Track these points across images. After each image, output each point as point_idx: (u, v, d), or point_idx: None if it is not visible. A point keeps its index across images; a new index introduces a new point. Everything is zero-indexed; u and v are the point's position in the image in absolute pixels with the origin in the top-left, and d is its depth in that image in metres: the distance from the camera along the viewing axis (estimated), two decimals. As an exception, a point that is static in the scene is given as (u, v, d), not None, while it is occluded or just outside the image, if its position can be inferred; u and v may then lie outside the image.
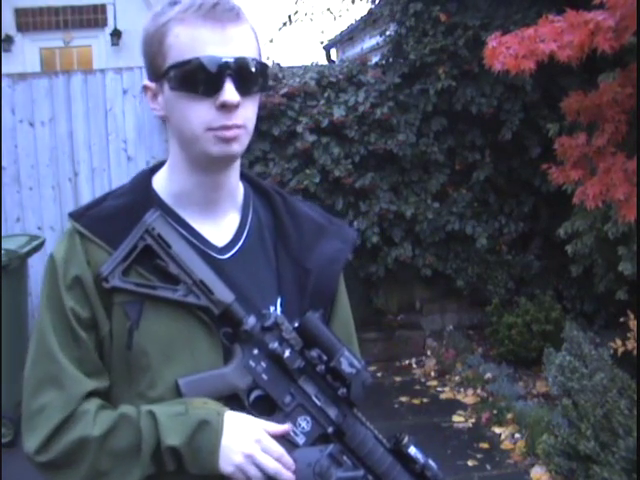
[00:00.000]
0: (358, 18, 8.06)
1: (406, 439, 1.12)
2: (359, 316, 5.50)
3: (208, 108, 1.04)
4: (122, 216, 1.09)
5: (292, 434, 1.07)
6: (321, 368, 1.09)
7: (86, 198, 5.23)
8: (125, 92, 5.28)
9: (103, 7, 8.49)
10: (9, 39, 8.30)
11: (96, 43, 8.68)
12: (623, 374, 3.01)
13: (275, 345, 1.07)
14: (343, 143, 5.02)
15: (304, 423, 1.09)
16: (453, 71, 4.86)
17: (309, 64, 5.46)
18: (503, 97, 4.86)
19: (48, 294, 1.09)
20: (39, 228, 5.21)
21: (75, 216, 1.12)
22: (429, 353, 5.27)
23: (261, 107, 4.32)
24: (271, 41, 8.38)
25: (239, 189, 1.19)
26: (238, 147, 1.07)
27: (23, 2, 8.32)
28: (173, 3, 1.06)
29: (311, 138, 4.93)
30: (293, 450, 1.07)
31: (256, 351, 1.08)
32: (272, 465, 1.03)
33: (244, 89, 1.05)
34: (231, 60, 1.03)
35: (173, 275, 1.07)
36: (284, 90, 4.97)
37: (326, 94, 5.06)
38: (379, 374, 4.96)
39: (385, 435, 1.16)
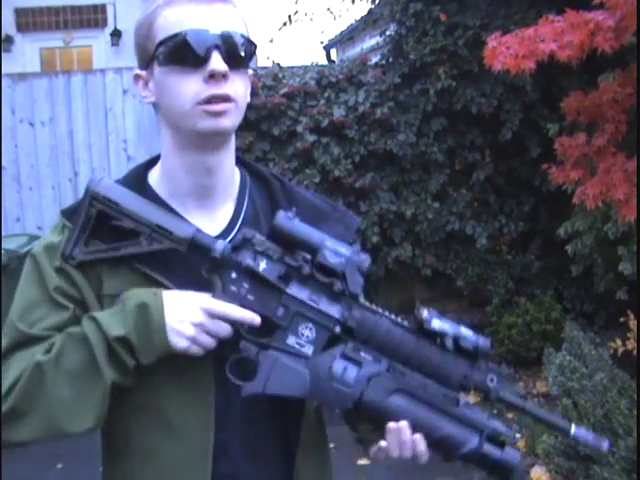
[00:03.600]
0: (358, 18, 8.06)
1: (425, 313, 1.02)
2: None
3: (196, 80, 1.04)
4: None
5: (297, 346, 1.01)
6: (306, 269, 1.02)
7: (86, 198, 5.24)
8: (125, 92, 5.28)
9: (103, 7, 8.50)
10: (9, 39, 8.31)
11: (96, 43, 8.68)
12: (623, 374, 3.01)
13: (248, 260, 1.02)
14: (343, 143, 5.02)
15: (307, 331, 1.02)
16: (453, 71, 4.86)
17: (309, 64, 5.46)
18: (503, 97, 4.86)
19: (29, 274, 1.10)
20: (39, 228, 5.21)
21: (66, 213, 1.13)
22: (429, 353, 5.26)
23: (261, 107, 4.37)
24: (271, 41, 8.38)
25: (235, 178, 1.18)
26: (228, 122, 1.06)
27: (23, 2, 8.33)
28: None
29: (311, 138, 4.93)
30: (303, 363, 1.00)
31: (234, 274, 1.03)
32: (232, 309, 1.01)
33: (232, 62, 1.04)
34: (218, 33, 1.03)
35: (132, 230, 1.06)
36: (284, 90, 4.97)
37: (326, 94, 5.05)
38: (379, 374, 4.96)
39: None
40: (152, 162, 1.19)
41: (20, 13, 8.39)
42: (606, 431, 2.88)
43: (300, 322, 1.02)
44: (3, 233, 4.87)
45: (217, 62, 1.02)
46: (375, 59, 5.60)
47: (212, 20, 1.04)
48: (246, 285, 1.03)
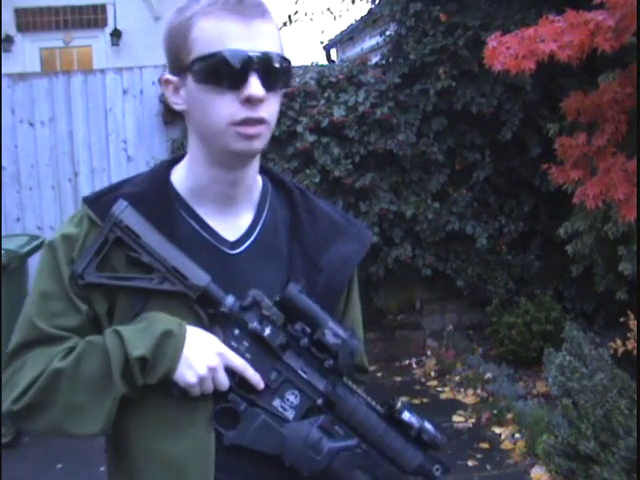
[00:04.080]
0: (358, 18, 8.06)
1: (399, 404, 1.12)
2: (359, 316, 5.33)
3: (232, 101, 1.03)
4: (135, 206, 1.09)
5: (280, 409, 1.08)
6: (304, 342, 1.08)
7: (86, 198, 5.24)
8: (125, 92, 5.28)
9: (103, 7, 8.49)
10: (9, 39, 8.30)
11: (96, 43, 8.68)
12: (623, 374, 3.01)
13: (255, 324, 1.07)
14: (343, 143, 5.02)
15: (292, 397, 1.09)
16: (453, 71, 4.86)
17: (309, 64, 5.46)
18: (503, 97, 4.86)
19: (47, 264, 1.11)
20: (39, 228, 5.21)
21: (89, 201, 1.13)
22: (429, 353, 5.27)
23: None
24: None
25: (257, 185, 1.19)
26: (259, 144, 1.07)
27: (23, 2, 8.32)
28: None
29: (311, 138, 4.93)
30: (283, 425, 1.07)
31: (237, 331, 1.08)
32: (241, 365, 1.06)
33: (269, 84, 1.04)
34: (257, 54, 1.02)
35: (147, 264, 1.07)
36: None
37: (326, 94, 5.05)
38: (379, 374, 4.97)
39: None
40: (175, 161, 1.19)
41: (20, 13, 8.39)
42: (606, 431, 2.88)
43: (288, 388, 1.09)
44: (3, 233, 4.87)
45: (255, 87, 1.02)
46: (375, 59, 5.60)
47: (251, 40, 1.03)
48: (246, 344, 1.08)
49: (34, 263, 4.82)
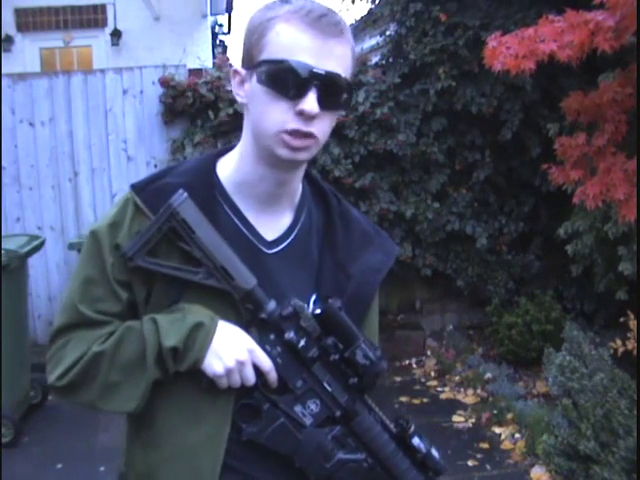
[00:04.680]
0: (358, 18, 8.05)
1: (412, 429, 1.17)
2: (359, 316, 5.34)
3: (287, 110, 1.06)
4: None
5: (300, 415, 1.12)
6: (335, 357, 1.12)
7: (86, 198, 5.24)
8: (125, 92, 5.28)
9: (103, 7, 8.48)
10: (9, 39, 8.29)
11: (96, 43, 8.67)
12: (623, 374, 3.01)
13: (291, 335, 1.10)
14: (343, 143, 5.02)
15: (313, 405, 1.13)
16: (453, 71, 4.86)
17: (309, 64, 5.45)
18: (503, 97, 4.86)
19: (90, 250, 1.15)
20: (39, 228, 5.21)
21: (136, 188, 1.15)
22: (429, 353, 5.27)
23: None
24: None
25: (299, 189, 1.23)
26: (305, 156, 1.10)
27: (23, 2, 8.32)
28: (285, 2, 1.09)
29: (311, 138, 4.92)
30: (300, 430, 1.12)
31: (273, 336, 1.12)
32: (268, 364, 1.10)
33: (326, 103, 1.07)
34: (321, 72, 1.05)
35: (196, 258, 1.10)
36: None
37: (326, 94, 5.05)
38: (379, 374, 4.96)
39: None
40: (222, 153, 1.22)
41: (20, 13, 8.38)
42: (606, 431, 2.88)
43: (311, 397, 1.14)
44: (3, 233, 4.86)
45: (311, 102, 1.05)
46: (375, 59, 5.60)
47: (321, 56, 1.05)
48: (279, 349, 1.12)
49: (34, 263, 4.82)
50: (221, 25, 12.34)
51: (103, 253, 1.13)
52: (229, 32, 12.48)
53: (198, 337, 1.08)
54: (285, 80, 1.05)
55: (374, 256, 1.25)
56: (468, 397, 4.50)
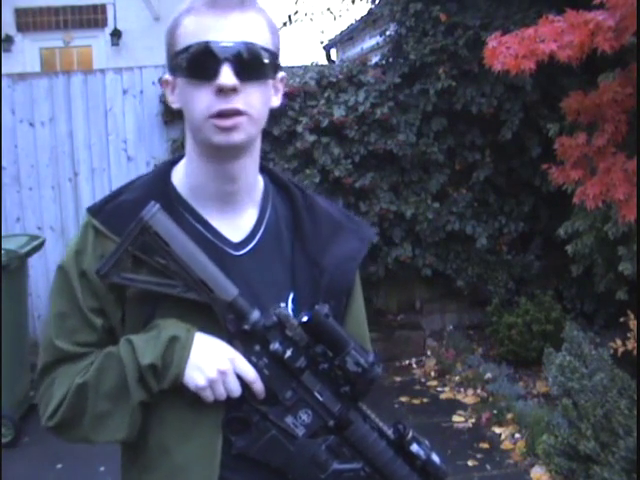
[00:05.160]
0: (358, 18, 8.06)
1: (410, 435, 1.13)
2: (359, 316, 5.32)
3: (207, 94, 1.04)
4: (138, 209, 1.08)
5: (292, 426, 1.09)
6: (324, 366, 1.09)
7: (86, 198, 5.23)
8: (125, 92, 5.28)
9: (103, 7, 8.49)
10: (9, 39, 8.30)
11: (96, 43, 8.68)
12: (623, 374, 3.01)
13: (277, 346, 1.07)
14: (343, 143, 5.02)
15: (305, 416, 1.10)
16: (453, 71, 4.86)
17: (309, 64, 5.46)
18: (503, 97, 4.86)
19: (59, 284, 1.14)
20: (39, 228, 5.21)
21: (92, 211, 1.14)
22: (429, 353, 5.27)
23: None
24: (271, 41, 8.37)
25: (258, 183, 1.19)
26: (240, 136, 1.06)
27: (23, 2, 8.32)
28: None
29: (311, 138, 4.93)
30: (292, 441, 1.09)
31: (258, 347, 1.08)
32: (251, 374, 1.07)
33: (244, 74, 1.04)
34: (230, 45, 1.03)
35: (173, 272, 1.07)
36: (284, 90, 4.96)
37: (326, 94, 5.05)
38: (379, 374, 4.96)
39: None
40: (175, 161, 1.20)
41: (20, 13, 8.39)
42: (606, 431, 2.87)
43: (302, 407, 1.10)
44: (3, 233, 4.87)
45: (226, 76, 1.02)
46: (375, 59, 5.60)
47: (226, 31, 1.04)
48: (266, 360, 1.08)
49: (34, 263, 4.82)
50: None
51: (72, 284, 1.11)
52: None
53: (175, 351, 1.05)
54: (197, 64, 1.04)
55: (347, 244, 1.20)
56: (468, 397, 4.50)
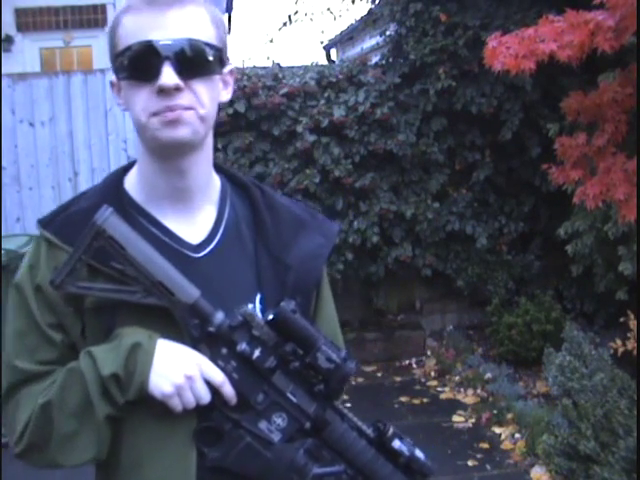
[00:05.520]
0: (358, 18, 8.06)
1: (390, 431, 1.09)
2: (359, 316, 5.49)
3: (149, 93, 1.01)
4: (91, 218, 1.03)
5: (267, 431, 1.04)
6: (295, 365, 1.04)
7: (86, 198, 5.23)
8: (125, 92, 5.28)
9: (103, 7, 8.48)
10: (9, 39, 8.29)
11: (96, 43, 8.66)
12: (623, 374, 3.01)
13: (244, 346, 1.02)
14: (343, 143, 5.02)
15: (279, 420, 1.05)
16: (453, 71, 4.86)
17: (309, 64, 5.46)
18: (503, 97, 4.86)
19: (14, 302, 1.09)
20: (39, 228, 5.21)
21: (43, 223, 1.09)
22: (429, 353, 5.27)
23: (261, 107, 4.38)
24: (271, 41, 8.41)
25: (214, 182, 1.16)
26: (187, 131, 1.03)
27: (23, 2, 8.32)
28: None
29: (311, 138, 4.93)
30: (268, 447, 1.04)
31: (225, 350, 1.04)
32: (219, 377, 1.02)
33: (187, 72, 1.01)
34: (170, 43, 1.00)
35: (131, 276, 1.03)
36: (284, 90, 4.97)
37: (326, 94, 5.05)
38: (379, 374, 4.96)
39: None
40: (128, 167, 1.16)
41: (20, 13, 8.38)
42: (606, 431, 2.88)
43: (275, 410, 1.05)
44: (3, 233, 4.86)
45: (167, 76, 0.99)
46: (375, 59, 5.60)
47: (165, 28, 1.01)
48: (234, 363, 1.03)
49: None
50: (221, 25, 12.33)
51: (27, 300, 1.07)
52: (229, 32, 12.48)
53: (138, 359, 1.00)
54: (138, 64, 1.01)
55: (312, 241, 1.16)
56: (468, 397, 4.50)
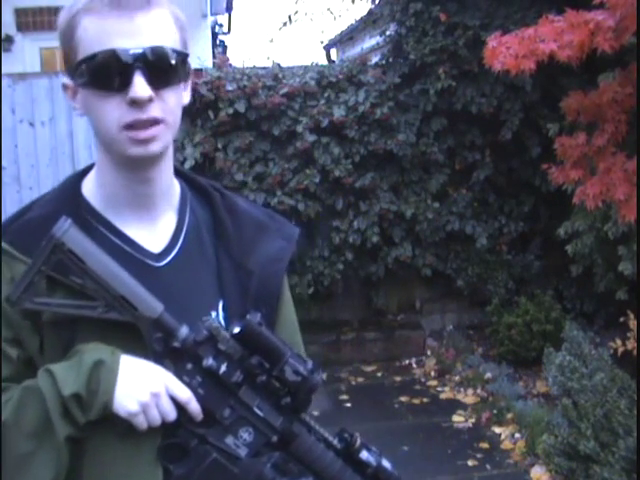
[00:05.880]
0: (358, 18, 8.06)
1: (358, 442, 1.08)
2: (359, 316, 5.49)
3: (119, 104, 0.97)
4: (48, 226, 0.99)
5: (233, 446, 1.02)
6: (261, 378, 1.02)
7: (86, 198, 5.24)
8: (125, 92, 5.28)
9: (103, 7, 8.49)
10: (9, 39, 8.30)
11: (96, 43, 8.68)
12: (623, 374, 3.01)
13: (210, 361, 1.00)
14: (343, 143, 5.02)
15: (246, 434, 1.03)
16: (453, 71, 4.87)
17: (309, 64, 5.46)
18: (503, 97, 4.86)
19: None
20: (39, 228, 5.21)
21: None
22: (429, 353, 5.27)
23: (261, 107, 4.37)
24: (271, 41, 8.42)
25: (174, 187, 1.12)
26: (157, 146, 1.00)
27: (23, 2, 8.32)
28: None
29: (311, 138, 4.93)
30: (235, 463, 1.02)
31: (190, 365, 1.01)
32: (185, 394, 0.99)
33: (158, 81, 0.97)
34: (140, 51, 0.95)
35: (92, 290, 0.99)
36: (284, 90, 4.97)
37: (326, 94, 5.05)
38: (379, 374, 4.96)
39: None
40: (86, 171, 1.12)
41: (20, 13, 8.39)
42: (606, 431, 2.88)
43: (242, 425, 1.03)
44: (3, 233, 4.87)
45: (140, 87, 0.95)
46: (375, 59, 5.60)
47: (134, 36, 0.96)
48: (199, 379, 1.01)
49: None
50: (221, 25, 12.34)
51: None
52: (229, 32, 12.48)
53: (101, 377, 0.95)
54: (105, 74, 0.95)
55: (273, 244, 1.14)
56: (468, 397, 4.50)
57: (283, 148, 5.03)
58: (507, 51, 3.10)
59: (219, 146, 4.93)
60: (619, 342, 3.46)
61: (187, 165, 4.90)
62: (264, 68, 5.25)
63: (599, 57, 3.06)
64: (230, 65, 5.38)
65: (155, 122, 0.98)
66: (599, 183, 3.22)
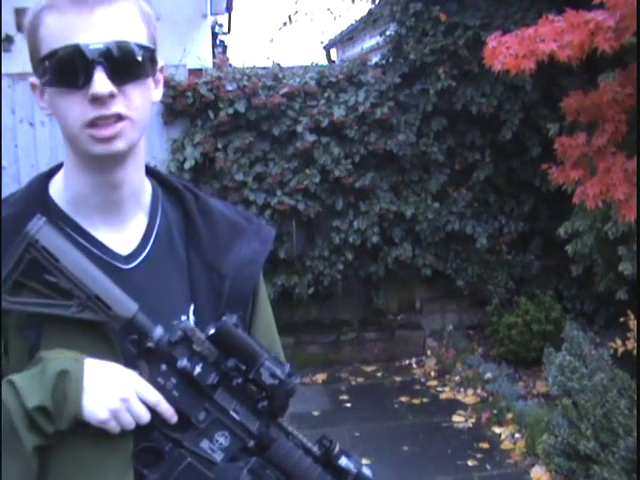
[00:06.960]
0: (358, 18, 8.06)
1: (337, 449, 1.06)
2: (359, 316, 5.50)
3: (81, 101, 0.94)
4: (13, 228, 0.97)
5: (209, 451, 1.00)
6: (237, 381, 1.00)
7: (86, 198, 5.24)
8: (125, 92, 5.28)
9: (103, 7, 8.50)
10: (9, 39, 8.30)
11: (96, 43, 8.69)
12: (623, 374, 3.02)
13: (184, 362, 0.98)
14: (343, 143, 5.02)
15: (222, 439, 1.01)
16: (453, 71, 4.87)
17: (309, 64, 5.46)
18: (503, 97, 4.86)
19: None
20: (39, 228, 5.21)
21: None
22: (429, 353, 5.27)
23: (261, 107, 4.38)
24: (271, 41, 8.42)
25: (145, 188, 1.09)
26: (122, 144, 0.97)
27: (23, 2, 8.32)
28: None
29: (311, 138, 4.93)
30: (211, 468, 1.00)
31: (164, 367, 0.99)
32: (154, 396, 0.97)
33: (121, 76, 0.95)
34: (100, 47, 0.93)
35: (66, 289, 0.97)
36: (284, 90, 4.97)
37: (326, 94, 5.06)
38: (379, 374, 4.96)
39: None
40: (53, 171, 1.10)
41: (20, 13, 8.37)
42: (606, 431, 2.88)
43: (217, 429, 1.01)
44: (3, 233, 4.87)
45: (100, 83, 0.93)
46: (375, 59, 5.60)
47: (95, 30, 0.93)
48: (174, 380, 0.99)
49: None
50: (221, 25, 12.34)
51: None
52: (229, 32, 12.48)
53: (67, 388, 0.92)
54: (65, 71, 0.93)
55: (248, 247, 1.11)
56: (468, 397, 4.50)
57: (283, 148, 5.03)
58: (507, 51, 3.10)
59: (219, 146, 4.93)
60: (619, 342, 3.46)
61: (187, 165, 4.91)
62: (264, 68, 5.26)
63: (599, 57, 3.06)
64: (230, 65, 5.38)
65: (119, 119, 0.96)
66: (599, 183, 3.22)
